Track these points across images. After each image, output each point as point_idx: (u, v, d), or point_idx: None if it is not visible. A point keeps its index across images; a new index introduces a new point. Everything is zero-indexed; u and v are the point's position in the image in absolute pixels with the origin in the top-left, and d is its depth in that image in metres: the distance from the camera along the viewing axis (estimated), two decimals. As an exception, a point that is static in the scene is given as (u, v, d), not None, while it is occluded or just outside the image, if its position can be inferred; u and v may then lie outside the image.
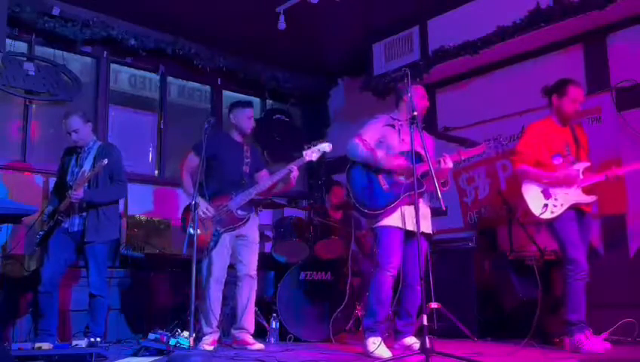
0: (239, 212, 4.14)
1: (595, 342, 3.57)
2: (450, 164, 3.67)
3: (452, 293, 4.58)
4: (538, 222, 4.06)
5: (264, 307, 4.89)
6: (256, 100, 7.09)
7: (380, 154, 3.71)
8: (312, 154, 4.05)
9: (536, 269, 4.31)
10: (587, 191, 3.82)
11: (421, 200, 3.71)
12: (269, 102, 7.13)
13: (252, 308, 4.28)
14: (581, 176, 3.80)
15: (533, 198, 3.85)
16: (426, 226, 3.79)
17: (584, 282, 3.70)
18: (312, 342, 4.54)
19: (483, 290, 4.74)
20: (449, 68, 5.63)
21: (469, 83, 5.82)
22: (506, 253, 4.83)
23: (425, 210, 3.81)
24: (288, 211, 6.07)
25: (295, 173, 4.08)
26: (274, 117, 7.04)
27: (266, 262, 5.33)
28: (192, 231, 3.96)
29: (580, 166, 3.84)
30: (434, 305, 4.38)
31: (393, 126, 3.85)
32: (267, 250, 5.43)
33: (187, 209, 4.16)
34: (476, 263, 4.82)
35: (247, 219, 4.17)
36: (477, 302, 4.65)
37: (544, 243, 4.43)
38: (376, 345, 3.49)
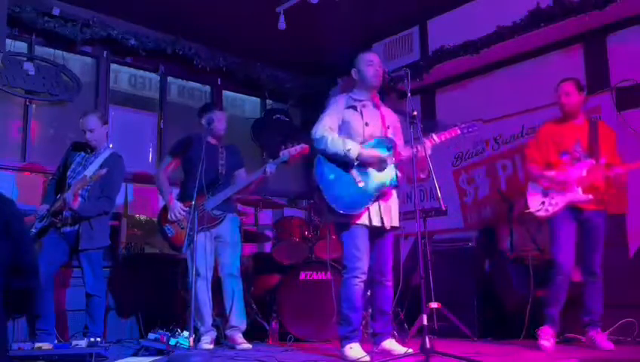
0: (215, 212, 4.22)
1: (553, 343, 3.72)
2: (429, 151, 3.41)
3: (452, 293, 4.58)
4: (538, 221, 4.09)
5: (264, 307, 4.89)
6: (256, 100, 7.10)
7: (352, 145, 3.41)
8: (288, 153, 4.13)
9: (531, 268, 4.35)
10: (588, 189, 3.81)
11: (393, 192, 3.57)
12: (269, 102, 7.13)
13: (239, 306, 4.29)
14: (579, 180, 3.82)
15: (534, 195, 3.95)
16: (395, 220, 3.57)
17: (564, 281, 3.77)
18: (312, 342, 4.53)
19: (483, 290, 4.74)
20: (449, 68, 5.63)
21: (469, 83, 5.81)
22: (506, 252, 4.83)
23: (394, 202, 3.60)
24: (288, 211, 6.07)
25: (269, 171, 4.15)
26: (274, 117, 7.03)
27: (266, 262, 5.33)
28: (168, 231, 4.25)
29: (583, 166, 3.85)
30: (434, 305, 4.39)
31: (355, 108, 3.57)
32: (267, 249, 5.42)
33: (164, 209, 4.35)
34: (476, 263, 4.82)
35: (223, 219, 4.24)
36: (477, 302, 4.65)
37: (544, 242, 4.43)
38: (352, 349, 3.38)
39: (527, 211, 3.94)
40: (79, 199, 3.92)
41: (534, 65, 5.28)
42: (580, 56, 5.01)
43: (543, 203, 3.86)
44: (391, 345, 3.56)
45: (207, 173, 4.15)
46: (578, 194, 3.80)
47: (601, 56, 4.86)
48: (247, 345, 4.14)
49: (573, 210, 3.83)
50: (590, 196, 3.79)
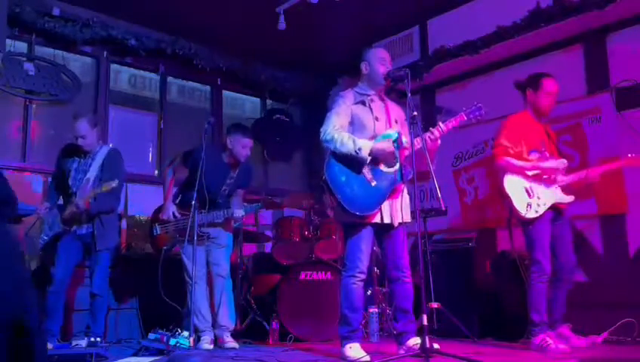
0: (202, 229, 4.18)
1: (558, 343, 3.59)
2: (438, 141, 3.39)
3: (452, 293, 4.58)
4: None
5: (264, 307, 4.89)
6: (256, 100, 7.11)
7: (363, 144, 3.32)
8: (240, 212, 4.26)
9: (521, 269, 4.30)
10: (565, 190, 3.74)
11: (403, 188, 3.51)
12: (269, 102, 7.13)
13: (227, 306, 4.31)
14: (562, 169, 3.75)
15: (518, 197, 3.73)
16: (407, 215, 3.52)
17: (545, 284, 3.66)
18: (312, 342, 4.54)
19: (483, 290, 4.74)
20: (449, 68, 5.63)
21: (469, 83, 5.81)
22: (506, 253, 4.83)
23: (404, 198, 3.54)
24: (288, 211, 6.07)
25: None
26: (274, 117, 7.04)
27: (266, 262, 5.33)
28: (154, 230, 4.34)
29: (558, 164, 3.76)
30: (434, 305, 4.38)
31: (364, 103, 3.52)
32: (267, 249, 5.41)
33: (159, 209, 4.39)
34: (476, 263, 4.81)
35: (208, 237, 4.26)
36: (477, 302, 4.65)
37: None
38: (352, 348, 3.35)
39: (518, 215, 3.71)
40: (90, 202, 4.01)
41: (534, 66, 5.26)
42: (579, 56, 5.01)
43: (530, 204, 3.68)
44: (416, 342, 3.34)
45: (209, 191, 4.08)
46: (562, 195, 3.72)
47: (601, 56, 4.86)
48: (234, 344, 4.16)
49: (554, 210, 3.73)
50: (572, 197, 3.72)
